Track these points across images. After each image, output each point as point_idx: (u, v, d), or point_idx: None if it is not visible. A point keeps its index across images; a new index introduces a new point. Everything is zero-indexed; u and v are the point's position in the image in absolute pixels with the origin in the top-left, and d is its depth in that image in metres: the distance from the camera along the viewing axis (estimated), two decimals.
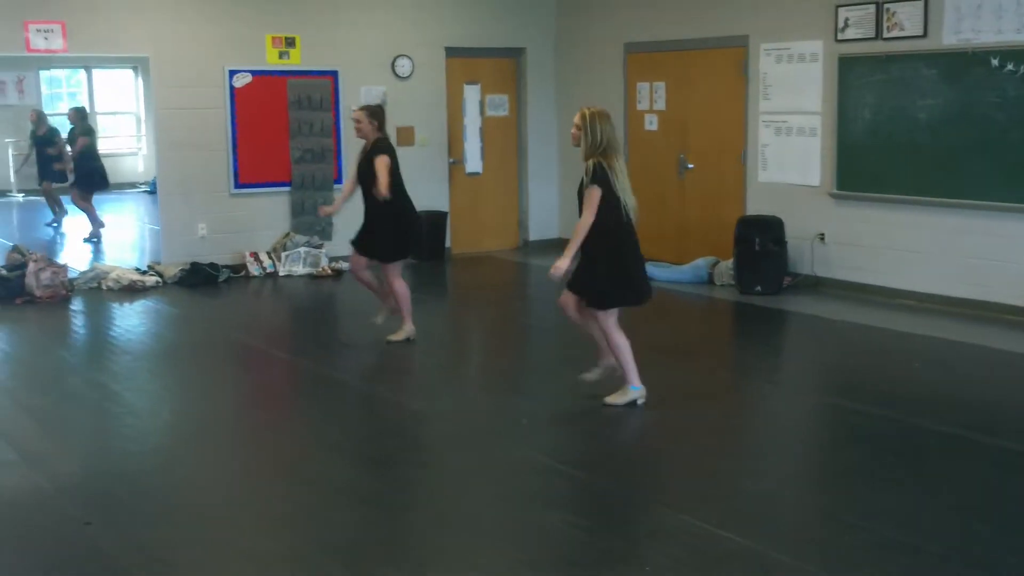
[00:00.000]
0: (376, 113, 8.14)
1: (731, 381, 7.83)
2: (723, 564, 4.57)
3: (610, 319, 6.57)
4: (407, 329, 8.37)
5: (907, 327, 8.90)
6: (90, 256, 13.06)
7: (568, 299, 6.67)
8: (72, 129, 14.83)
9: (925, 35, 9.43)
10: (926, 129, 9.53)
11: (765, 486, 5.54)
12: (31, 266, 10.34)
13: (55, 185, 15.57)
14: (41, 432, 6.51)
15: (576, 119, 6.48)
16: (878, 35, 9.78)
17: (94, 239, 14.23)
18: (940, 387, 7.36)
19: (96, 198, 14.78)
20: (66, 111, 16.21)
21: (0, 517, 5.19)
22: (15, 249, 11.06)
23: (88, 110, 15.78)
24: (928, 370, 7.77)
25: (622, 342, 6.62)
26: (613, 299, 6.56)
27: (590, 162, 6.41)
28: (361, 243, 8.28)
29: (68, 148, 15.20)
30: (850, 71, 10.03)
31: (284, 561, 4.69)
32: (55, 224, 15.47)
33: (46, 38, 10.60)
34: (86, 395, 7.30)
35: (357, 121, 8.10)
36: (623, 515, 5.13)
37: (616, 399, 6.70)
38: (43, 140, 15.64)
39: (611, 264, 6.50)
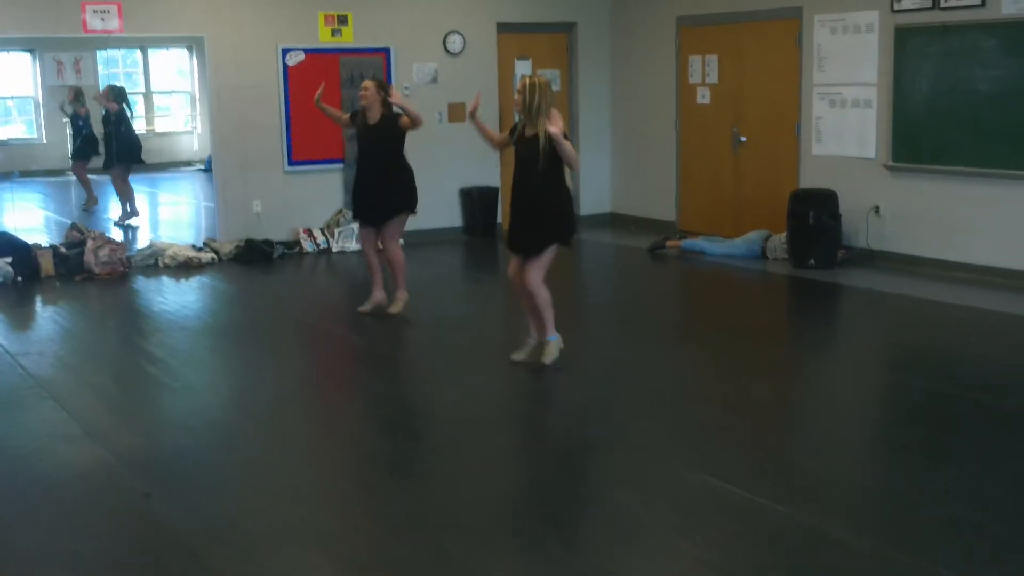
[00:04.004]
0: (383, 85, 8.57)
1: (786, 356, 7.79)
2: (780, 539, 4.56)
3: (543, 273, 6.92)
4: (403, 298, 8.62)
5: (963, 300, 8.80)
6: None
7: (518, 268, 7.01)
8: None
9: (983, 5, 9.28)
10: (984, 100, 9.39)
11: (822, 462, 5.52)
12: (90, 243, 10.50)
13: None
14: (103, 407, 6.63)
15: (519, 87, 6.83)
16: (935, 5, 9.63)
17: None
18: (998, 361, 7.28)
19: (149, 176, 14.88)
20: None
21: (65, 489, 5.29)
22: (74, 227, 11.24)
23: (125, 88, 15.68)
24: (985, 344, 7.68)
25: (548, 296, 6.96)
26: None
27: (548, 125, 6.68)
28: (372, 211, 8.52)
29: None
30: (907, 42, 9.90)
31: (345, 536, 4.75)
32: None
33: (103, 19, 10.72)
34: (146, 370, 7.42)
35: (365, 89, 8.41)
36: (677, 488, 5.13)
37: (549, 356, 6.96)
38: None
39: (564, 203, 6.99)
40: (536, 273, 6.88)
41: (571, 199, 7.09)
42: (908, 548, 4.42)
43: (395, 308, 8.57)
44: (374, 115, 8.40)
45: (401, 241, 11.54)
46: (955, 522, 4.70)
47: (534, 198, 6.85)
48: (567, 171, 6.85)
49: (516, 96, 6.83)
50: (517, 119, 6.98)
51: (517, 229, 6.99)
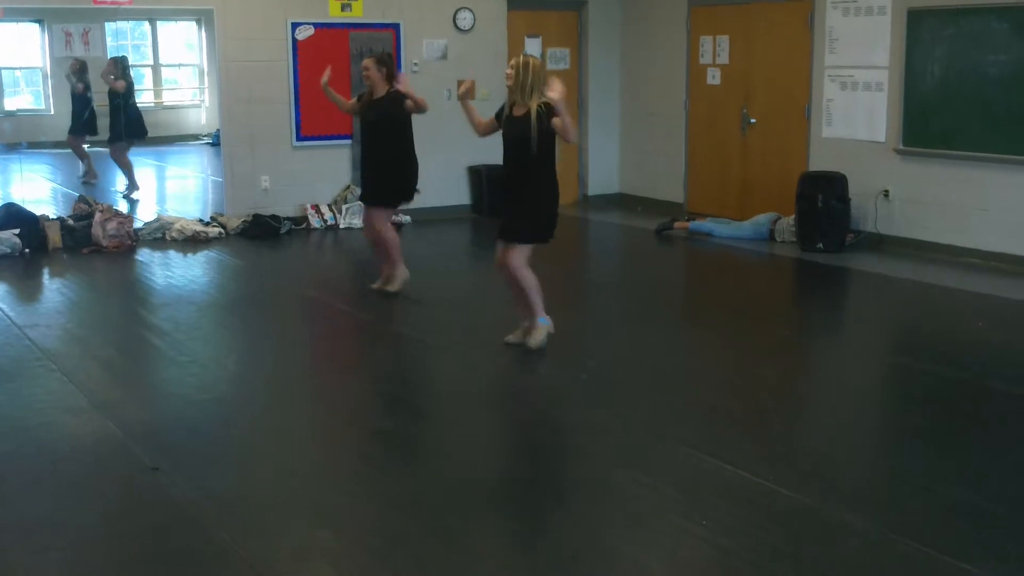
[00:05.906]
0: (384, 61, 8.39)
1: (792, 340, 7.78)
2: (784, 522, 4.56)
3: (525, 257, 6.88)
4: (402, 276, 8.54)
5: (972, 286, 8.78)
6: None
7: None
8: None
9: None
10: (996, 85, 9.34)
11: (828, 446, 5.52)
12: (97, 216, 10.50)
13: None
14: (110, 380, 6.64)
15: (511, 63, 6.77)
16: None
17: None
18: (1005, 347, 7.27)
19: (156, 150, 14.82)
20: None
21: (70, 462, 5.31)
22: (82, 199, 11.23)
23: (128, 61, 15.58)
24: (993, 330, 7.66)
25: (534, 279, 6.92)
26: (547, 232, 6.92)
27: (540, 104, 6.58)
28: (378, 193, 8.48)
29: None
30: (919, 25, 9.84)
31: (350, 511, 4.76)
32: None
33: None
34: (152, 344, 7.42)
35: (366, 69, 8.32)
36: (681, 470, 5.13)
37: (536, 340, 6.89)
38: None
39: (554, 197, 6.85)
40: (518, 258, 6.85)
41: (558, 192, 6.94)
42: (912, 533, 4.41)
43: (393, 286, 8.54)
44: (379, 92, 8.36)
45: (408, 219, 11.58)
46: (960, 507, 4.71)
47: (524, 183, 6.77)
48: (556, 154, 6.76)
49: (508, 71, 6.75)
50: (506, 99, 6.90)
51: (508, 215, 6.91)
